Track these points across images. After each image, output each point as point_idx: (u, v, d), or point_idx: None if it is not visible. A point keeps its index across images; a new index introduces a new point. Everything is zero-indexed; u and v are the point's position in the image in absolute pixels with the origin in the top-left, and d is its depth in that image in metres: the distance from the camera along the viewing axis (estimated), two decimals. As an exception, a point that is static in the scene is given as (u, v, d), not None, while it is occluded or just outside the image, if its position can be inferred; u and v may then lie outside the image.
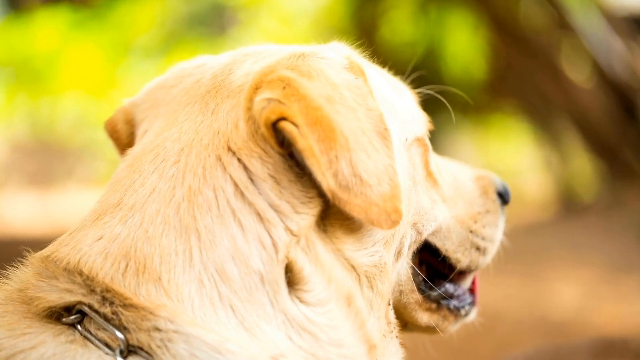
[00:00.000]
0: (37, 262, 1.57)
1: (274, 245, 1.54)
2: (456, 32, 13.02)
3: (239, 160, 1.57)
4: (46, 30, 15.04)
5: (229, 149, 1.59)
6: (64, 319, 1.50)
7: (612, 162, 12.37)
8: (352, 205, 1.53)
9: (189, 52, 14.22)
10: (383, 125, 1.65)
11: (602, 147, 12.41)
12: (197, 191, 1.56)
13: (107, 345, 1.46)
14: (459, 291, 2.06)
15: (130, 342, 1.45)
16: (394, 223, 1.55)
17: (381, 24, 12.73)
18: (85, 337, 1.47)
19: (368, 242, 1.66)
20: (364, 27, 12.51)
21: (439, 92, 2.12)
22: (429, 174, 1.89)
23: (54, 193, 15.88)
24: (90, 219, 1.61)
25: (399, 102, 1.86)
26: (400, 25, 12.73)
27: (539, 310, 5.96)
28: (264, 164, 1.57)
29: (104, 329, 1.47)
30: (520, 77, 12.79)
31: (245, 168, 1.57)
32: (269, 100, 1.54)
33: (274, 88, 1.55)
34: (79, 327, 1.48)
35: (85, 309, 1.49)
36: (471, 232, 2.00)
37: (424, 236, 1.88)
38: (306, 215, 1.58)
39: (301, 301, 1.56)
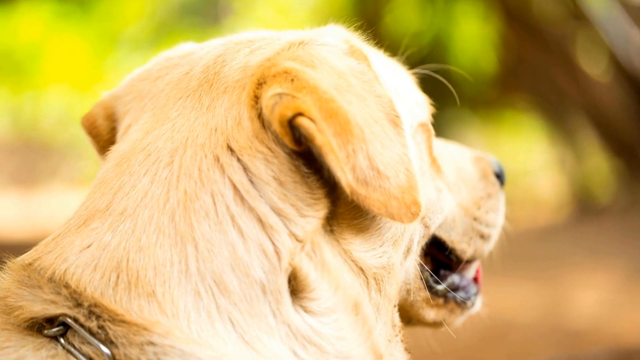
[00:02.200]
0: (18, 270, 1.54)
1: (277, 253, 1.51)
2: (465, 22, 13.01)
3: (240, 160, 1.54)
4: (29, 21, 15.03)
5: (229, 148, 1.56)
6: (45, 331, 1.47)
7: (630, 160, 12.36)
8: (372, 200, 1.51)
9: (179, 43, 14.20)
10: (394, 112, 1.64)
11: (619, 145, 12.41)
12: (193, 196, 1.53)
13: None
14: (464, 282, 2.06)
15: (117, 357, 1.43)
16: (414, 216, 1.54)
17: (385, 13, 12.73)
18: (68, 351, 1.44)
19: (377, 242, 1.65)
20: (367, 17, 12.50)
21: (444, 81, 2.12)
22: (433, 161, 1.87)
23: (36, 194, 15.87)
24: (76, 224, 1.57)
25: (401, 86, 1.86)
26: (405, 14, 12.72)
27: (554, 318, 5.96)
28: (268, 165, 1.55)
29: (89, 343, 1.44)
30: (533, 71, 12.80)
31: (246, 169, 1.54)
32: (281, 95, 1.52)
33: (282, 82, 1.53)
34: (61, 340, 1.45)
35: (69, 321, 1.46)
36: (475, 219, 2.00)
37: (432, 230, 1.86)
38: (312, 219, 1.56)
39: (306, 311, 1.54)
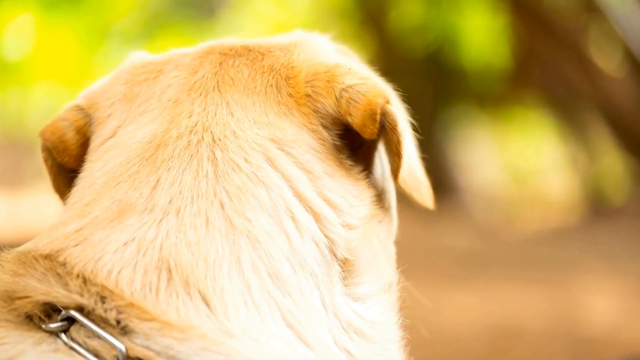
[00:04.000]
0: (33, 261, 1.49)
1: (331, 242, 1.58)
2: (473, 15, 13.01)
3: (288, 153, 1.60)
4: (15, 14, 15.03)
5: (276, 141, 1.61)
6: (43, 326, 1.44)
7: (645, 160, 12.37)
8: (417, 191, 1.78)
9: (173, 37, 14.21)
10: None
11: (634, 143, 12.40)
12: (244, 189, 1.54)
13: (97, 355, 1.40)
14: None
15: (131, 352, 1.39)
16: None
17: (389, 6, 12.72)
18: (72, 348, 1.41)
19: (393, 231, 1.82)
20: (370, 10, 12.50)
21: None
22: None
23: (22, 194, 15.87)
24: (106, 218, 1.53)
25: None
26: (411, 8, 12.72)
27: (565, 325, 5.96)
28: (316, 156, 1.62)
29: (99, 337, 1.40)
30: (544, 66, 12.79)
31: (296, 162, 1.60)
32: (362, 83, 1.65)
33: (349, 75, 1.66)
34: (63, 336, 1.42)
35: (74, 313, 1.42)
36: None
37: None
38: (361, 208, 1.64)
39: (352, 298, 1.59)
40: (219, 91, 1.71)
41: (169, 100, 1.74)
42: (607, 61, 12.16)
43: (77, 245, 1.50)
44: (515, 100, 15.78)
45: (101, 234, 1.50)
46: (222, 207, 1.52)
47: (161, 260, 1.45)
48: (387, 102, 1.64)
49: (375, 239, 1.69)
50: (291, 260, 1.51)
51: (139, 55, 1.92)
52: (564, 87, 13.13)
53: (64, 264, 1.46)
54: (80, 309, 1.43)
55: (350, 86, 1.63)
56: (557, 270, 7.93)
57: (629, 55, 11.78)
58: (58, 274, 1.45)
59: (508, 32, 12.64)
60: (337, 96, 1.63)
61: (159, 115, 1.71)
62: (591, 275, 7.69)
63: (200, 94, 1.72)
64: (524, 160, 18.34)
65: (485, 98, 14.25)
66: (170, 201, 1.53)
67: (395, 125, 1.64)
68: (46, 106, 17.46)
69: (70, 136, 1.84)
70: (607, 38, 11.96)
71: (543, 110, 15.51)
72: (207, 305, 1.43)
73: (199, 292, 1.43)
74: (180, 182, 1.55)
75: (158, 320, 1.39)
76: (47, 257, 1.48)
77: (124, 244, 1.48)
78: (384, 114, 1.63)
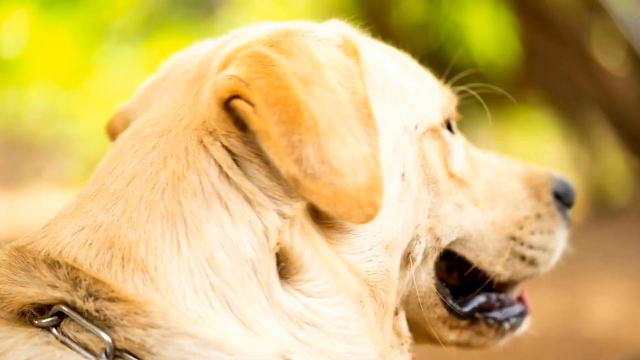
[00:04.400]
0: (10, 251, 1.61)
1: (265, 229, 1.60)
2: (475, 13, 13.02)
3: (218, 141, 1.65)
4: (11, 12, 15.03)
5: (207, 130, 1.66)
6: (37, 321, 1.53)
7: (649, 159, 12.37)
8: (320, 195, 1.56)
9: (172, 36, 14.21)
10: (367, 110, 1.69)
11: (637, 143, 12.40)
12: (180, 175, 1.63)
13: (87, 349, 1.48)
14: (503, 301, 2.04)
15: (118, 343, 1.48)
16: (368, 217, 1.59)
17: (390, 4, 12.73)
18: (63, 342, 1.49)
19: (365, 245, 1.70)
20: (371, 8, 12.51)
21: (464, 81, 2.13)
22: (451, 174, 1.90)
23: (20, 195, 15.87)
24: (69, 211, 1.66)
25: (411, 86, 1.89)
26: (412, 6, 12.72)
27: (568, 326, 5.96)
28: (245, 144, 1.64)
29: (87, 330, 1.50)
30: (546, 65, 12.79)
31: (227, 149, 1.64)
32: (230, 77, 1.61)
33: (241, 65, 1.63)
34: (54, 330, 1.51)
35: (64, 308, 1.51)
36: (514, 239, 1.98)
37: (444, 243, 1.88)
38: (300, 201, 1.64)
39: (301, 292, 1.61)
40: (191, 84, 1.80)
41: (160, 98, 1.85)
42: (610, 60, 12.17)
43: (44, 237, 1.64)
44: (517, 99, 15.79)
45: (61, 224, 1.65)
46: (162, 191, 1.62)
47: (110, 240, 1.58)
48: (237, 97, 1.60)
49: (324, 244, 1.66)
50: (224, 245, 1.56)
51: (194, 47, 2.00)
52: (566, 86, 13.14)
53: (32, 252, 1.59)
54: (64, 302, 1.53)
55: (223, 77, 1.66)
56: (559, 270, 7.92)
57: (631, 53, 11.79)
58: (32, 263, 1.57)
59: (510, 31, 12.64)
60: (212, 86, 1.67)
61: (147, 112, 1.84)
62: (593, 276, 7.69)
63: (177, 89, 1.83)
64: (526, 159, 18.34)
65: (486, 97, 14.25)
66: (118, 188, 1.65)
67: (248, 123, 1.60)
68: (44, 106, 17.46)
69: (121, 130, 1.97)
70: (610, 37, 11.96)
71: (545, 109, 15.51)
72: (153, 283, 1.53)
73: (146, 270, 1.54)
74: (128, 171, 1.67)
75: (127, 301, 1.50)
76: (21, 248, 1.61)
77: (81, 229, 1.61)
78: (235, 109, 1.62)
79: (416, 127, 1.83)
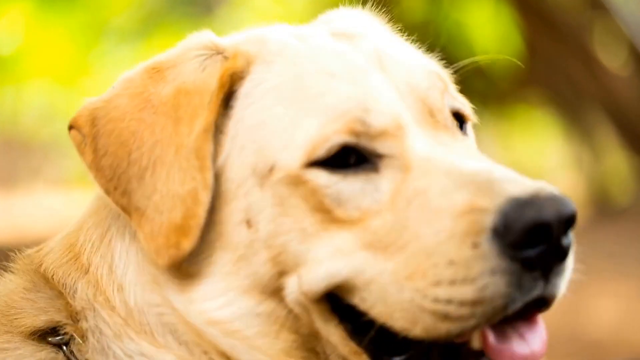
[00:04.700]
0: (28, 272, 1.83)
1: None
2: (476, 12, 13.00)
3: None
4: (8, 11, 15.01)
5: None
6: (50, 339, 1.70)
7: (651, 159, 12.37)
8: (143, 231, 1.61)
9: (170, 34, 14.19)
10: (199, 144, 1.63)
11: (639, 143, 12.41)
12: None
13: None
14: (450, 353, 1.70)
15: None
16: (171, 259, 1.59)
17: (391, 3, 12.71)
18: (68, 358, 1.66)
19: (215, 290, 1.67)
20: (371, 7, 12.48)
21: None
22: (332, 219, 1.66)
23: (17, 195, 15.86)
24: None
25: (278, 124, 1.69)
26: (413, 4, 12.71)
27: (570, 327, 5.95)
28: None
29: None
30: (548, 63, 12.78)
31: None
32: (77, 115, 1.72)
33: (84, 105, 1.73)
34: (64, 348, 1.64)
35: (70, 331, 1.70)
36: (417, 291, 1.62)
37: (318, 290, 1.66)
38: None
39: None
40: None
41: None
42: (612, 59, 12.16)
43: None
44: (519, 98, 15.78)
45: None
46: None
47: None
48: (72, 127, 1.70)
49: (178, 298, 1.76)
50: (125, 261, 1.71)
51: None
52: (568, 85, 13.13)
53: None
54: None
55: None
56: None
57: (634, 53, 11.78)
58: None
59: (512, 30, 12.62)
60: None
61: None
62: (595, 277, 7.67)
63: None
64: (527, 159, 18.32)
65: (487, 95, 14.24)
66: None
67: (81, 154, 1.71)
68: (41, 105, 17.45)
69: None
70: (612, 35, 11.96)
71: (547, 108, 15.50)
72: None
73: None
74: None
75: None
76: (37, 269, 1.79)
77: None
78: (73, 139, 1.71)
79: (270, 171, 1.65)
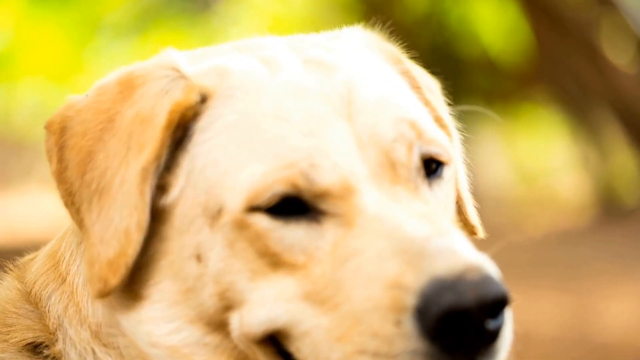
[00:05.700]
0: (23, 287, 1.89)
1: None
2: (480, 8, 13.00)
3: None
4: (1, 7, 15.01)
5: None
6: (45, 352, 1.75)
7: (659, 158, 12.37)
8: (86, 255, 1.67)
9: (167, 31, 14.20)
10: (138, 181, 1.65)
11: (648, 142, 12.41)
12: None
13: None
14: None
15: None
16: (99, 293, 1.65)
17: (394, 0, 12.71)
18: None
19: (164, 317, 1.72)
20: (373, 3, 12.49)
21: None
22: (279, 262, 1.68)
23: (9, 195, 15.87)
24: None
25: (231, 165, 1.71)
26: (416, 1, 12.71)
27: (577, 330, 5.95)
28: None
29: None
30: (554, 61, 12.79)
31: None
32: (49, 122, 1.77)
33: (55, 115, 1.77)
34: None
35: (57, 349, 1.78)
36: (344, 355, 1.63)
37: (257, 332, 1.69)
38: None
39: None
40: None
41: None
42: (619, 56, 12.17)
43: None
44: (524, 97, 15.78)
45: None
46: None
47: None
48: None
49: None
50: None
51: None
52: (574, 83, 13.13)
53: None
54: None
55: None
56: (567, 273, 7.92)
57: (642, 49, 11.79)
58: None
59: (516, 25, 12.63)
60: None
61: None
62: (603, 279, 7.68)
63: None
64: (532, 159, 18.33)
65: (492, 94, 14.25)
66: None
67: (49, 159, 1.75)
68: (34, 103, 17.45)
69: None
70: (619, 32, 11.96)
71: (553, 106, 15.51)
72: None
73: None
74: None
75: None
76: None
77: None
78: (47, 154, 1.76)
79: (219, 212, 1.68)
